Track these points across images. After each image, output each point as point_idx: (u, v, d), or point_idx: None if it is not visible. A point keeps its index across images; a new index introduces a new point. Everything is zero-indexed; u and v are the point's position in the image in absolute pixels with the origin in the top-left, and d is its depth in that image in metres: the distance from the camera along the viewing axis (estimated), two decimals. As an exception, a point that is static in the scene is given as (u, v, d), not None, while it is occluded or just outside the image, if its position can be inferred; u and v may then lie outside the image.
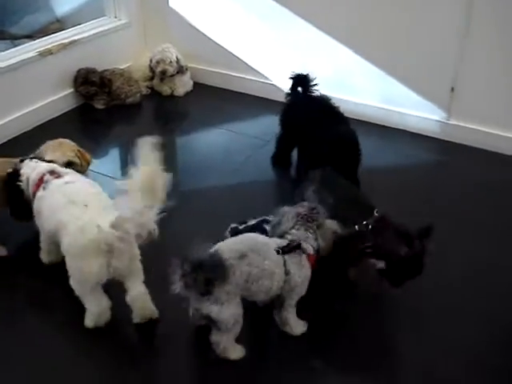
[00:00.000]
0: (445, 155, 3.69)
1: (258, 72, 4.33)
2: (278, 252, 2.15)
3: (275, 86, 4.23)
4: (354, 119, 3.48)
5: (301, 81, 3.31)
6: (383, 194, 3.02)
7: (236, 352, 2.19)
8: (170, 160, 3.56)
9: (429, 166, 3.60)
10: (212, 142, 3.92)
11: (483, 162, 3.61)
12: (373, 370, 2.24)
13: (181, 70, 4.38)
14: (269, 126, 3.92)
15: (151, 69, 4.41)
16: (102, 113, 4.20)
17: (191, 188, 3.29)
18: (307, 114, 3.21)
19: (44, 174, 2.49)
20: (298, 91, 3.33)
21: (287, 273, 2.16)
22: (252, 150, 3.70)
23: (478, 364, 2.24)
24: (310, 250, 2.22)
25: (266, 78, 4.32)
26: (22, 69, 3.79)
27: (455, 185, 3.37)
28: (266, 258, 2.11)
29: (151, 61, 4.37)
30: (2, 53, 3.82)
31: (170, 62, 4.30)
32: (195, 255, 1.93)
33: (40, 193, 2.45)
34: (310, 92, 3.30)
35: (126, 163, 2.38)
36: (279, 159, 3.53)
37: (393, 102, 3.91)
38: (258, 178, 3.44)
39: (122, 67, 4.43)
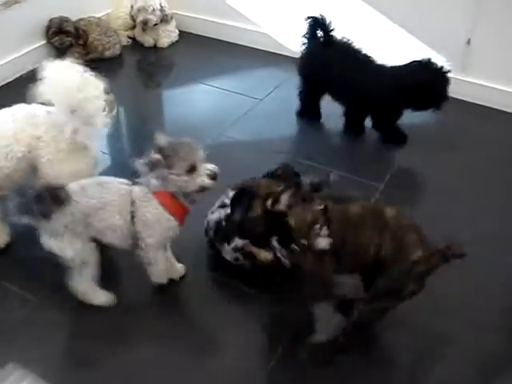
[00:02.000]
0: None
1: (251, 21, 3.88)
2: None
3: (270, 36, 3.81)
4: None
5: (319, 24, 3.00)
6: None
7: (99, 297, 2.14)
8: (152, 118, 3.34)
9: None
10: (199, 99, 3.52)
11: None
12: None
13: (165, 19, 3.94)
14: (263, 81, 3.59)
15: (132, 17, 3.97)
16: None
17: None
18: (340, 59, 2.98)
19: None
20: (317, 36, 3.02)
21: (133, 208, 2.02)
22: (243, 110, 3.32)
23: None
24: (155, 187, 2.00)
25: (260, 27, 3.87)
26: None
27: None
28: (108, 190, 2.02)
29: (132, 8, 3.93)
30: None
31: (153, 10, 3.86)
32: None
33: None
34: (331, 36, 3.00)
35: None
36: (307, 112, 3.27)
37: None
38: (248, 141, 3.09)
39: (98, 15, 3.98)
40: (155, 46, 4.01)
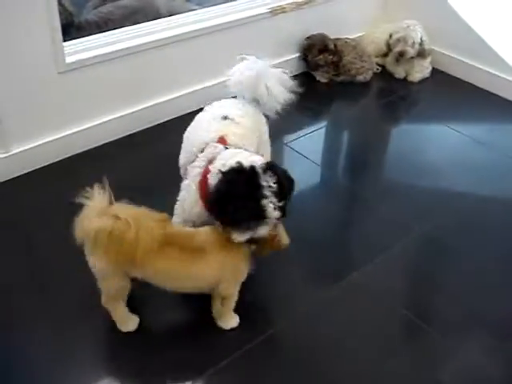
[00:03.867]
0: None
1: (514, 70, 3.57)
2: None
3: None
4: None
5: None
6: None
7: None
8: (383, 151, 3.20)
9: None
10: (440, 141, 3.28)
11: None
12: None
13: (422, 54, 3.73)
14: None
15: (388, 45, 3.81)
16: (324, 86, 3.72)
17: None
18: None
19: None
20: None
21: None
22: (497, 170, 3.01)
23: None
24: None
25: (524, 80, 3.55)
26: (249, 25, 3.38)
27: None
28: None
29: (391, 36, 3.77)
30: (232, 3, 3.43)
31: (413, 42, 3.66)
32: None
33: None
34: None
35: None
36: None
37: None
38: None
39: (351, 37, 3.89)
40: (405, 79, 3.83)
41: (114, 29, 3.07)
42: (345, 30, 3.91)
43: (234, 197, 1.79)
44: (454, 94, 3.72)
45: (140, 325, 2.03)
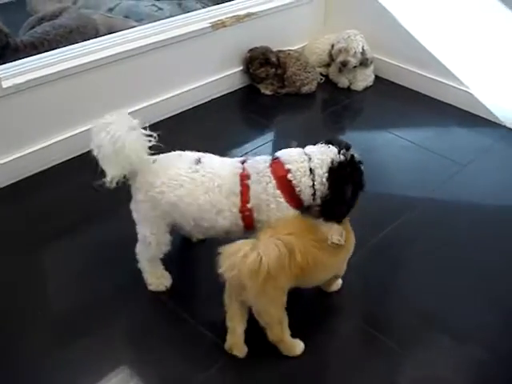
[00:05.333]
0: None
1: (455, 76, 3.61)
2: None
3: (474, 96, 3.54)
4: None
5: None
6: None
7: None
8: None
9: None
10: (383, 148, 3.30)
11: None
12: None
13: (364, 63, 3.76)
14: (463, 145, 3.30)
15: (331, 56, 3.84)
16: (269, 98, 3.71)
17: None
18: None
19: None
20: None
21: None
22: (444, 174, 3.05)
23: None
24: None
25: (464, 85, 3.60)
26: (191, 41, 3.36)
27: None
28: None
29: (333, 47, 3.79)
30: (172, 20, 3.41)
31: (355, 52, 3.69)
32: None
33: None
34: None
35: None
36: None
37: None
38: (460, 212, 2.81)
39: (294, 48, 3.90)
40: (349, 88, 3.85)
41: (52, 49, 3.00)
42: (287, 42, 3.93)
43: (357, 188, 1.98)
44: (397, 101, 3.76)
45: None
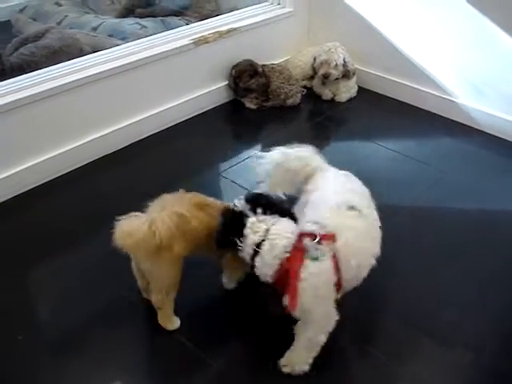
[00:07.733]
0: None
1: (437, 85, 3.66)
2: None
3: (457, 104, 3.58)
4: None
5: None
6: None
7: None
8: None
9: None
10: (369, 158, 3.32)
11: None
12: None
13: (347, 75, 3.80)
14: (446, 152, 3.33)
15: (313, 68, 3.88)
16: (254, 112, 3.75)
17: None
18: None
19: None
20: None
21: None
22: (428, 182, 3.08)
23: None
24: None
25: (446, 93, 3.65)
26: (174, 58, 3.39)
27: None
28: None
29: (315, 60, 3.83)
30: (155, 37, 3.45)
31: (336, 65, 3.73)
32: None
33: None
34: None
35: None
36: None
37: None
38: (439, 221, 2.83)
39: (276, 62, 3.95)
40: (333, 100, 3.89)
41: (38, 69, 3.04)
42: (272, 56, 3.98)
43: None
44: (380, 111, 3.81)
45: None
